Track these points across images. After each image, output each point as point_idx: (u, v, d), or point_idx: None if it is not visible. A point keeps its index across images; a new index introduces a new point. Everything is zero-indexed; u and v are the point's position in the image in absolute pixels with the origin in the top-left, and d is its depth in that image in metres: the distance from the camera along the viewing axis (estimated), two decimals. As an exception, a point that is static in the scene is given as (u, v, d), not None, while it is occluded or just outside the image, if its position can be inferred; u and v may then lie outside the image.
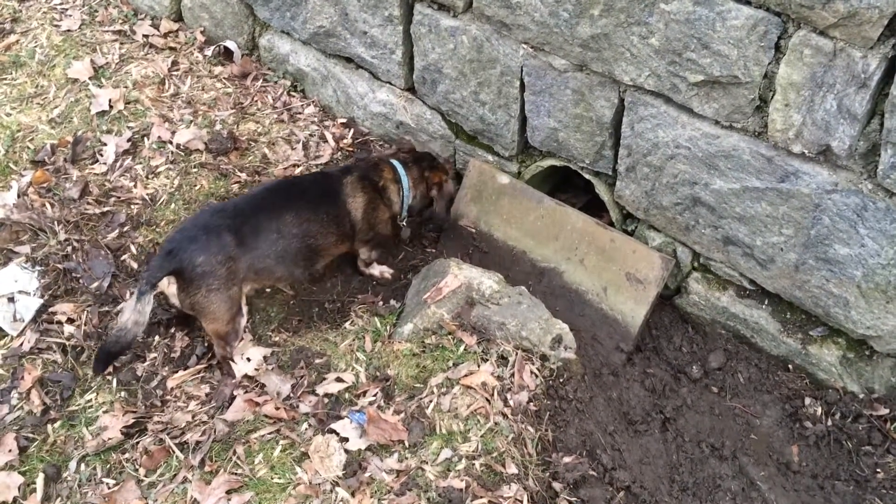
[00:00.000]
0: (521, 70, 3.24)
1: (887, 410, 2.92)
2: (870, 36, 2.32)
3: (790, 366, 3.16)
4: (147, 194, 3.61)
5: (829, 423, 3.00)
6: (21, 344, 3.03)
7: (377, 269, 3.57)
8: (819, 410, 3.03)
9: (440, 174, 3.51)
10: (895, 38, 2.32)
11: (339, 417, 2.77)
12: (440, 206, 3.54)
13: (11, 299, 3.12)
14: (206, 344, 3.11)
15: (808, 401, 3.06)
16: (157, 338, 3.13)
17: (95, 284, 3.24)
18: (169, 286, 2.86)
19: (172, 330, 3.16)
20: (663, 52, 2.76)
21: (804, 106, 2.55)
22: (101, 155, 3.72)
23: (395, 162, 3.46)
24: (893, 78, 2.34)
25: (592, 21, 2.87)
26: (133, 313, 2.74)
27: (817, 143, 2.60)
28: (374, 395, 2.85)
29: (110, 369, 2.98)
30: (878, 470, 2.85)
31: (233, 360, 2.99)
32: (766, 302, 3.14)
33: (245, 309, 3.04)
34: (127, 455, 2.73)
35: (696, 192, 3.00)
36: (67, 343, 3.06)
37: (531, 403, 2.85)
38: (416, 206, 3.54)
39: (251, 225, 2.99)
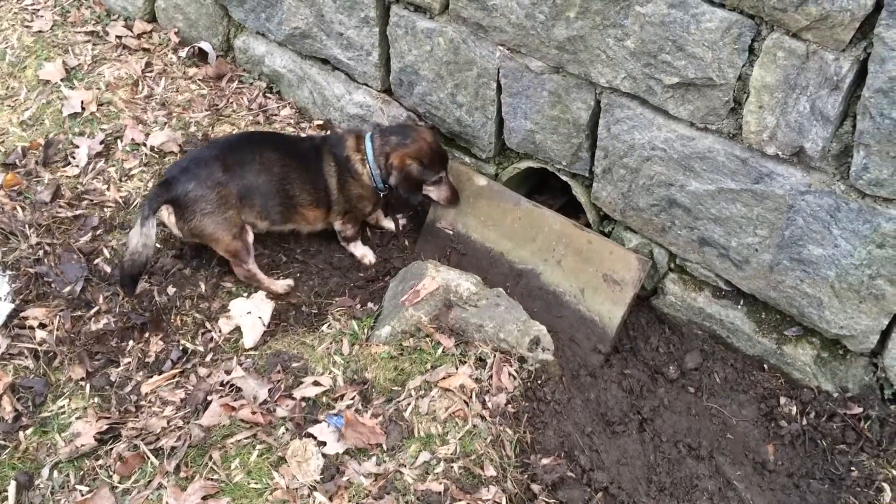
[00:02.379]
0: (498, 72, 3.24)
1: (861, 409, 2.96)
2: (842, 38, 2.35)
3: (765, 365, 3.19)
4: (120, 197, 3.57)
5: (804, 422, 3.02)
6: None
7: (359, 251, 3.60)
8: (794, 410, 3.05)
9: (401, 156, 3.32)
10: (867, 41, 2.34)
11: (317, 421, 2.75)
12: (402, 189, 3.40)
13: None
14: (181, 348, 3.08)
15: (783, 400, 3.09)
16: (131, 342, 3.10)
17: (68, 289, 3.20)
18: (168, 217, 3.17)
19: (147, 335, 3.12)
20: (639, 55, 2.78)
21: (778, 108, 2.57)
22: (74, 157, 3.68)
23: (367, 135, 3.45)
24: (865, 80, 2.37)
25: (568, 23, 2.88)
26: (140, 237, 3.01)
27: (791, 145, 2.62)
28: (352, 399, 2.83)
29: (84, 374, 2.94)
30: (853, 468, 2.88)
31: (258, 276, 3.32)
32: (742, 302, 3.17)
33: (251, 237, 3.30)
34: (101, 461, 2.69)
35: (671, 194, 3.02)
36: (39, 348, 3.01)
37: (509, 405, 2.84)
38: (386, 180, 3.43)
39: (237, 156, 3.25)
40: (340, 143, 3.43)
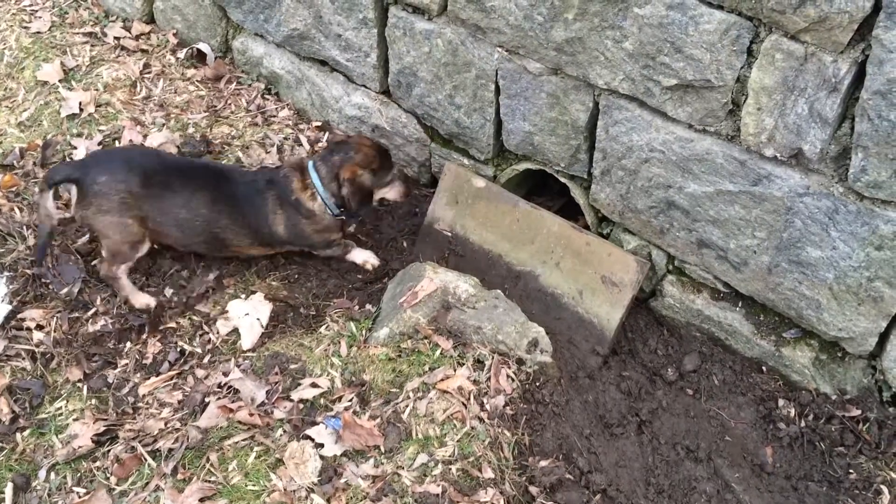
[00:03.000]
0: (496, 73, 3.24)
1: (859, 412, 2.95)
2: (840, 40, 2.35)
3: (764, 368, 3.18)
4: (118, 198, 3.56)
5: (803, 424, 3.02)
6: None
7: (359, 258, 3.54)
8: (792, 412, 3.05)
9: (351, 168, 3.23)
10: (865, 43, 2.34)
11: (315, 423, 2.75)
12: (354, 201, 3.27)
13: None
14: (179, 350, 3.08)
15: (781, 402, 3.09)
16: (128, 344, 3.09)
17: (65, 290, 3.19)
18: (70, 194, 3.10)
19: (144, 336, 3.12)
20: (637, 56, 2.77)
21: (776, 110, 2.57)
22: (72, 158, 3.67)
23: (310, 165, 3.29)
24: (863, 82, 2.37)
25: (567, 25, 2.88)
26: (41, 209, 3.10)
27: (789, 147, 2.62)
28: (350, 401, 2.83)
29: (81, 375, 2.95)
30: (851, 471, 2.88)
31: (122, 282, 3.18)
32: (740, 304, 3.16)
33: (146, 245, 3.21)
34: (98, 463, 2.69)
35: (670, 196, 3.02)
36: (37, 350, 3.01)
37: (507, 407, 2.84)
38: (342, 202, 3.30)
39: (165, 178, 3.14)
40: (286, 185, 3.27)
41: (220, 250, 3.34)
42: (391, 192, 3.47)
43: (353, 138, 3.41)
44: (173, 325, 3.18)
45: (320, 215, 3.31)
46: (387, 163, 3.37)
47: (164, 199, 3.13)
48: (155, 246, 3.32)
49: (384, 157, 3.37)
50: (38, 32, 4.29)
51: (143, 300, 3.21)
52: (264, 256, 3.47)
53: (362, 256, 3.55)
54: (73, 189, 3.07)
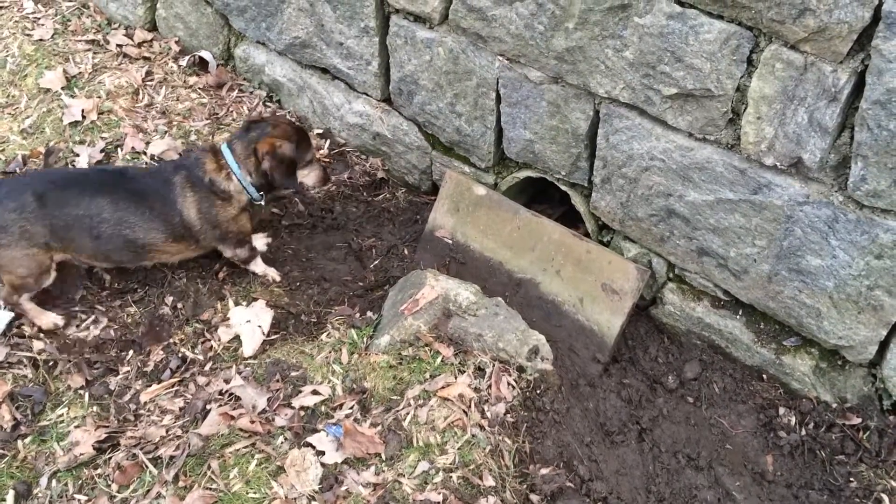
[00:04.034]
0: (497, 82, 3.26)
1: (859, 420, 2.96)
2: (840, 50, 2.36)
3: (764, 376, 3.19)
4: (120, 206, 3.57)
5: (803, 432, 3.02)
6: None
7: (259, 269, 3.43)
8: (793, 420, 3.05)
9: (269, 140, 3.13)
10: (864, 53, 2.35)
11: (316, 431, 2.75)
12: (278, 175, 3.16)
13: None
14: (180, 357, 3.08)
15: (782, 410, 3.09)
16: (130, 352, 3.09)
17: (67, 297, 3.20)
18: None
19: (145, 344, 3.12)
20: (637, 65, 2.79)
21: (776, 119, 2.58)
22: (74, 166, 3.68)
23: (223, 146, 3.18)
24: (863, 92, 2.38)
25: (567, 34, 2.89)
26: None
27: (789, 156, 2.63)
28: (351, 408, 2.83)
29: (83, 382, 2.96)
30: (852, 479, 2.88)
31: (25, 308, 3.06)
32: (741, 312, 3.17)
33: (52, 274, 3.07)
34: (99, 470, 2.69)
35: (670, 204, 3.03)
36: (38, 357, 3.01)
37: (508, 415, 2.84)
38: (264, 183, 3.20)
39: (61, 194, 2.99)
40: (198, 166, 3.15)
41: (141, 255, 3.17)
42: (310, 176, 3.36)
43: (269, 117, 3.33)
44: (176, 332, 3.19)
45: (237, 197, 3.19)
46: (305, 140, 3.28)
47: (65, 212, 2.98)
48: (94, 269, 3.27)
49: (302, 134, 3.28)
50: (41, 40, 4.30)
51: (49, 320, 3.11)
52: (191, 262, 3.38)
53: (263, 268, 3.44)
54: None
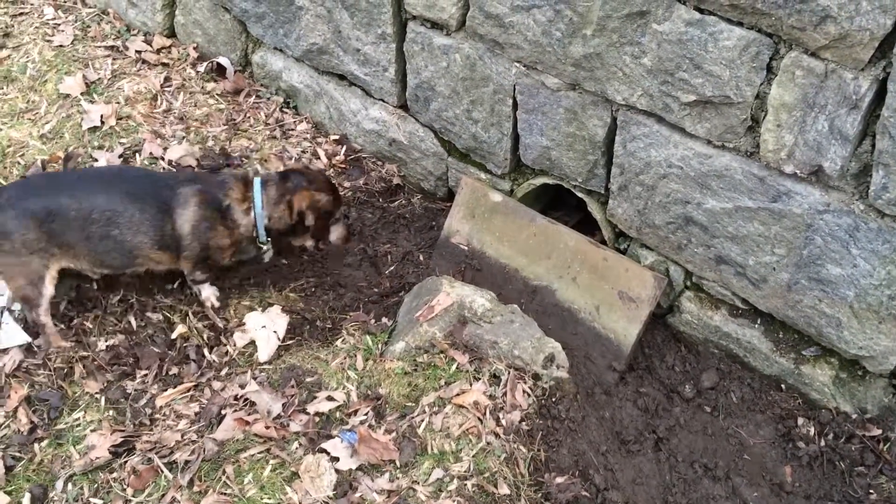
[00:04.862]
0: (514, 88, 3.25)
1: (880, 431, 2.92)
2: (861, 58, 2.34)
3: (783, 385, 3.15)
4: (138, 210, 3.58)
5: (822, 443, 2.99)
6: (6, 366, 2.99)
7: (205, 292, 3.32)
8: (812, 431, 3.02)
9: (309, 194, 3.16)
10: (886, 60, 2.33)
11: (330, 437, 2.75)
12: (316, 228, 3.21)
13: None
14: (196, 362, 3.09)
15: (801, 421, 3.05)
16: (146, 358, 3.10)
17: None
18: None
19: (160, 351, 3.14)
20: (656, 72, 2.77)
21: (796, 126, 2.56)
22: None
23: (256, 180, 3.17)
24: (884, 99, 2.36)
25: (585, 41, 2.88)
26: None
27: (809, 164, 2.60)
28: (366, 414, 2.83)
29: (100, 388, 2.96)
30: (871, 491, 2.84)
31: (44, 325, 3.02)
32: (759, 321, 3.14)
33: (52, 283, 3.02)
34: (115, 475, 2.69)
35: (688, 212, 3.01)
36: (52, 363, 3.02)
37: (523, 423, 2.83)
38: (277, 228, 3.20)
39: (65, 200, 2.95)
40: (222, 189, 3.12)
41: (129, 260, 3.10)
42: (335, 233, 3.36)
43: (306, 169, 3.34)
44: (191, 337, 3.19)
45: (244, 231, 3.16)
46: (338, 197, 3.30)
47: (60, 218, 2.95)
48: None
49: (336, 190, 3.30)
50: (61, 46, 4.34)
51: (58, 343, 3.08)
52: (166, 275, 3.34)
53: (207, 292, 3.33)
54: None
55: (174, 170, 3.70)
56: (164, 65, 4.34)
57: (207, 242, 3.13)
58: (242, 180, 3.17)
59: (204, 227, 3.09)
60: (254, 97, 4.26)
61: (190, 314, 3.28)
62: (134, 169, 3.52)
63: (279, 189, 3.15)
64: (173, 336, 3.18)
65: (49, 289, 3.02)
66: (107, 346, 3.12)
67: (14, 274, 2.97)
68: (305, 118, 4.19)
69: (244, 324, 3.22)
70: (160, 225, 3.05)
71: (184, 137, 3.92)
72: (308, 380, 2.98)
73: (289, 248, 3.49)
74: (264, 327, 3.18)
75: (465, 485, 2.61)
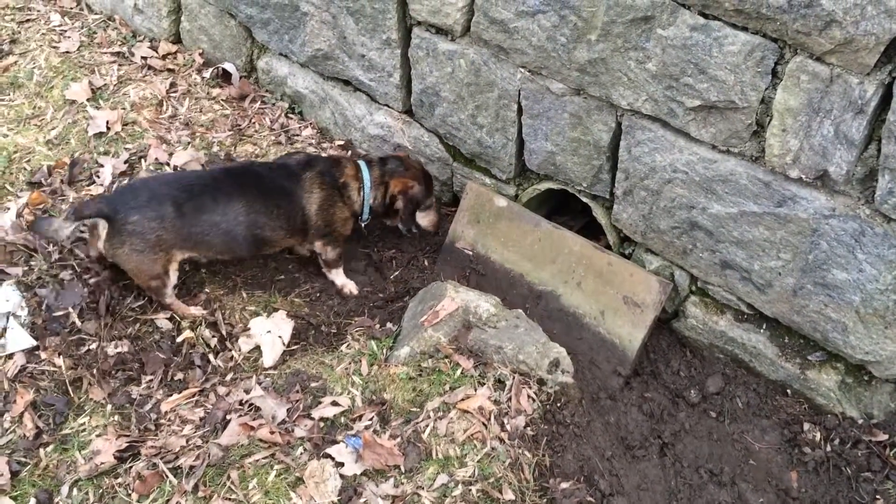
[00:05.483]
0: (519, 94, 3.25)
1: (886, 436, 2.91)
2: (866, 62, 2.34)
3: (789, 390, 3.14)
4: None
5: (829, 448, 2.98)
6: (8, 370, 3.00)
7: (339, 280, 3.53)
8: (818, 436, 3.01)
9: (404, 181, 3.42)
10: (892, 65, 2.33)
11: (335, 442, 2.75)
12: (404, 213, 3.47)
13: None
14: (201, 367, 3.09)
15: (806, 426, 3.04)
16: (151, 365, 3.10)
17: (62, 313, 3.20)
18: (101, 230, 3.03)
19: (167, 357, 3.14)
20: (660, 77, 2.77)
21: (801, 131, 2.56)
22: (98, 176, 3.72)
23: (360, 161, 3.45)
24: (890, 104, 2.35)
25: (590, 46, 2.88)
26: (52, 232, 3.08)
27: (815, 169, 2.60)
28: (370, 420, 2.82)
29: (104, 396, 2.97)
30: (878, 497, 2.83)
31: (170, 306, 3.23)
32: (765, 326, 3.13)
33: (175, 274, 3.18)
34: (120, 480, 2.69)
35: (693, 216, 3.00)
36: (57, 370, 3.02)
37: (528, 428, 2.83)
38: (378, 209, 3.49)
39: (196, 203, 3.10)
40: (338, 168, 3.39)
41: (262, 249, 3.34)
42: (426, 219, 3.59)
43: (404, 158, 3.56)
44: (196, 342, 3.20)
45: (356, 208, 3.42)
46: (430, 186, 3.55)
47: (199, 220, 3.11)
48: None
49: (429, 180, 3.56)
50: (67, 52, 4.36)
51: (193, 312, 3.27)
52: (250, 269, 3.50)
53: (342, 280, 3.53)
54: (102, 225, 3.03)
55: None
56: (170, 71, 4.36)
57: (332, 218, 3.37)
58: (352, 162, 3.44)
59: (327, 206, 3.34)
60: (259, 103, 4.27)
61: (202, 320, 3.29)
62: (251, 164, 3.64)
63: (380, 171, 3.44)
64: (179, 340, 3.18)
65: (173, 278, 3.18)
66: (115, 353, 3.12)
67: (142, 270, 3.10)
68: (310, 123, 4.20)
69: (249, 329, 3.22)
70: (292, 216, 3.28)
71: (189, 143, 3.94)
72: (313, 385, 2.98)
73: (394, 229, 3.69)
74: (269, 332, 3.19)
75: (470, 490, 2.61)
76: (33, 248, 3.37)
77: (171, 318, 3.26)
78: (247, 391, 2.95)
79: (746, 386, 3.20)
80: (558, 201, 3.73)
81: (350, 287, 3.53)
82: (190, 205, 3.09)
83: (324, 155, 3.75)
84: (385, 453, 2.67)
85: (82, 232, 3.30)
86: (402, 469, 2.66)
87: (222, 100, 4.24)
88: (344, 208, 3.40)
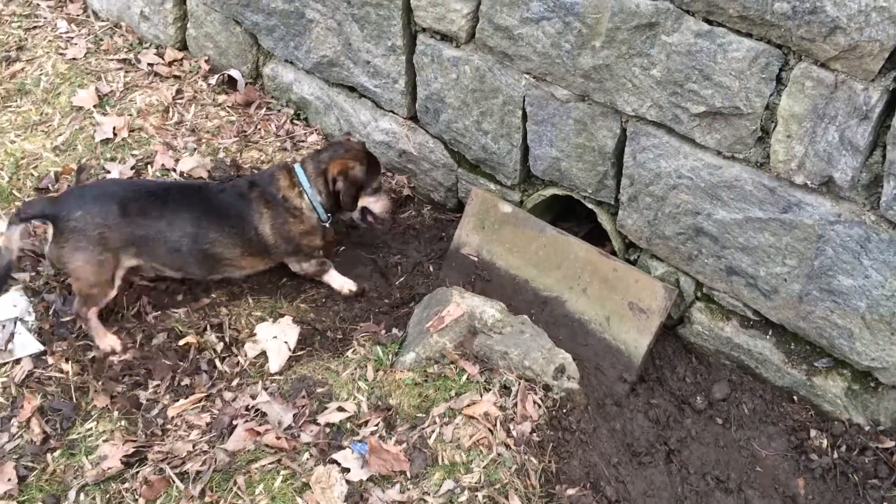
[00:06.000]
0: (524, 100, 3.26)
1: (893, 443, 2.90)
2: (871, 69, 2.34)
3: (795, 397, 3.14)
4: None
5: (835, 455, 2.97)
6: (16, 375, 3.01)
7: (336, 283, 3.50)
8: (825, 443, 3.00)
9: (341, 161, 3.26)
10: (896, 71, 2.33)
11: (341, 447, 2.75)
12: (345, 197, 3.28)
13: (5, 326, 3.11)
14: (207, 372, 3.10)
15: (813, 433, 3.04)
16: (157, 370, 3.11)
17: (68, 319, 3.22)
18: (45, 232, 3.02)
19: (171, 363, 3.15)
20: (665, 84, 2.78)
21: (806, 137, 2.56)
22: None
23: (295, 165, 3.31)
24: (895, 110, 2.35)
25: (594, 52, 2.89)
26: (2, 239, 2.99)
27: (820, 175, 2.60)
28: (376, 425, 2.83)
29: (106, 402, 2.97)
30: (885, 503, 2.82)
31: (92, 325, 3.09)
32: (771, 332, 3.13)
33: (117, 286, 3.11)
34: (127, 485, 2.70)
35: (698, 222, 3.00)
36: (64, 377, 3.03)
37: (534, 434, 2.82)
38: (332, 204, 3.33)
39: (142, 205, 3.07)
40: (272, 183, 3.26)
41: (219, 269, 3.27)
42: (377, 204, 3.43)
43: (344, 142, 3.45)
44: (202, 348, 3.21)
45: (308, 214, 3.29)
46: (375, 166, 3.39)
47: (144, 224, 3.06)
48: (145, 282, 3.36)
49: (373, 159, 3.40)
50: (74, 59, 4.39)
51: (107, 343, 3.13)
52: (255, 276, 3.46)
53: (339, 281, 3.50)
54: (47, 227, 3.01)
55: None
56: (176, 77, 4.38)
57: (290, 235, 3.28)
58: (285, 168, 3.31)
59: (278, 226, 3.25)
60: (264, 109, 4.28)
61: (208, 326, 3.30)
62: (208, 183, 3.59)
63: (315, 164, 3.30)
64: (180, 343, 3.19)
65: (111, 296, 3.10)
66: (121, 358, 3.13)
67: (85, 272, 3.01)
68: (316, 130, 4.21)
69: (255, 334, 3.23)
70: (243, 233, 3.22)
71: (195, 149, 3.95)
72: (319, 390, 2.98)
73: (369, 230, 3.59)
74: (275, 338, 3.19)
75: (476, 496, 2.61)
76: (41, 253, 3.38)
77: (177, 324, 3.27)
78: (253, 396, 2.96)
79: (752, 392, 3.20)
80: (563, 207, 3.73)
81: (349, 286, 3.51)
82: (136, 206, 3.06)
83: (265, 168, 3.60)
84: (391, 459, 2.68)
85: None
86: (408, 475, 2.67)
87: (228, 106, 4.26)
88: (296, 222, 3.28)
